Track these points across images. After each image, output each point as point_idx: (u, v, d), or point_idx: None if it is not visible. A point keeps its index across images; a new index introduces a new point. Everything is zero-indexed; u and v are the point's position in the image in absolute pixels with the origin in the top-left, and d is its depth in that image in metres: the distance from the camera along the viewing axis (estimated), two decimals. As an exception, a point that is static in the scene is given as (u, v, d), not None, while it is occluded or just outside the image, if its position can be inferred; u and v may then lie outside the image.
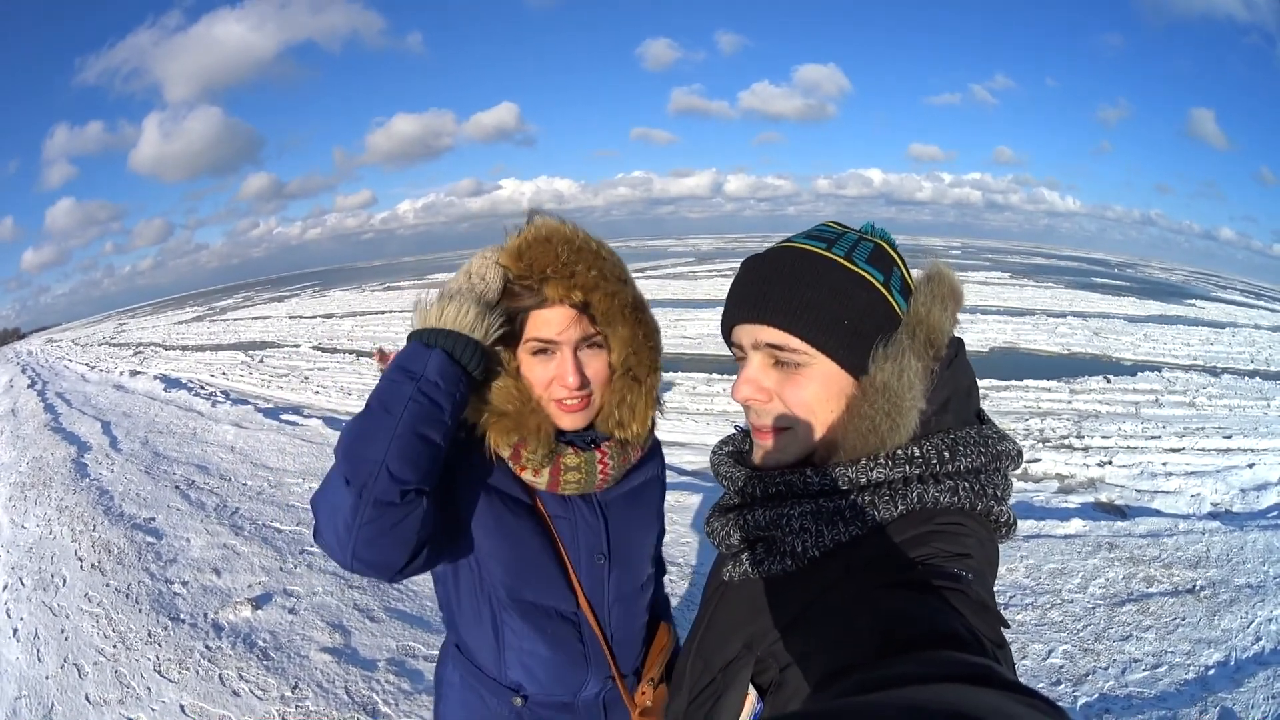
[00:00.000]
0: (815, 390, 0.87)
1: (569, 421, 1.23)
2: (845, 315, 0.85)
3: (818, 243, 0.91)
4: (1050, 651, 3.65)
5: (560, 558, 1.29)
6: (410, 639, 3.86)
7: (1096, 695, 3.31)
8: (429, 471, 1.07)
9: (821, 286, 0.86)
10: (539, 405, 1.21)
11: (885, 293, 0.87)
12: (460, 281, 1.17)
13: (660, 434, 1.46)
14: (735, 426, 1.13)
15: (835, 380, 0.87)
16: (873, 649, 0.63)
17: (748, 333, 0.91)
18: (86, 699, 3.48)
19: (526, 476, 1.24)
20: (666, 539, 1.81)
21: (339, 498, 1.06)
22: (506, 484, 1.26)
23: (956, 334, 0.92)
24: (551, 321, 1.17)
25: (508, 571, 1.27)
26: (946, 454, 0.83)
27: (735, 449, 1.06)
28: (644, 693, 1.40)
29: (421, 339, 1.10)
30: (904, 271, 0.92)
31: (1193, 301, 28.62)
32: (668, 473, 1.56)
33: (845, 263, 0.87)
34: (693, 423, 9.43)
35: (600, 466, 1.26)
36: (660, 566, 1.62)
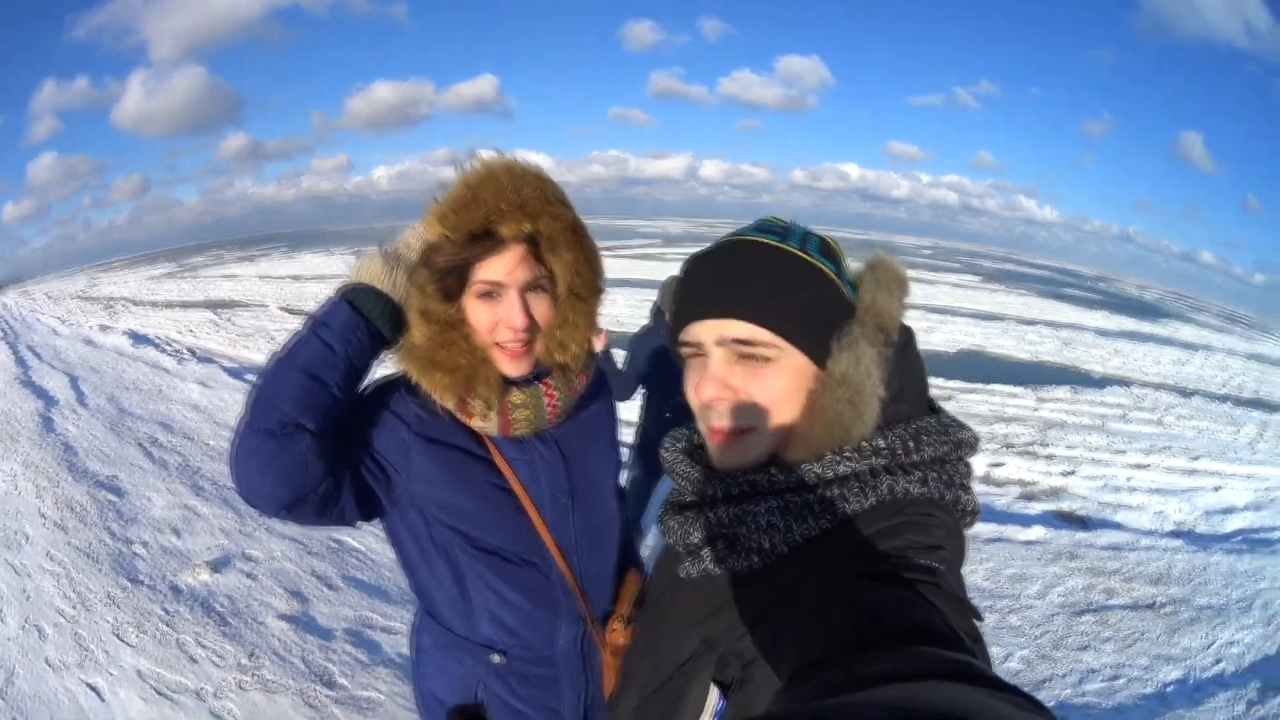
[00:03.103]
0: (784, 385, 0.85)
1: (512, 368, 1.25)
2: (810, 305, 0.84)
3: (770, 235, 0.89)
4: (1008, 656, 3.69)
5: (518, 501, 1.30)
6: (368, 609, 3.84)
7: (1053, 703, 3.35)
8: (312, 410, 1.11)
9: (785, 278, 0.85)
10: (486, 355, 1.23)
11: (839, 283, 0.87)
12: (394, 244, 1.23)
13: (626, 416, 1.46)
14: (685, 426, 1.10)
15: (803, 374, 0.85)
16: (847, 642, 0.62)
17: (710, 329, 0.88)
18: (46, 662, 3.44)
19: (476, 424, 1.26)
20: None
21: (237, 428, 1.14)
22: (456, 437, 1.27)
23: (907, 324, 0.91)
24: (499, 265, 1.18)
25: (466, 522, 1.28)
26: (911, 444, 0.82)
27: (688, 445, 1.02)
28: (615, 630, 1.40)
29: (336, 292, 1.18)
30: (845, 265, 0.91)
31: (1166, 321, 28.96)
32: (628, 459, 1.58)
33: (802, 254, 0.86)
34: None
35: (547, 400, 1.28)
36: (623, 497, 1.63)
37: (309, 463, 1.11)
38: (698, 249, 0.95)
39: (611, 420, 1.53)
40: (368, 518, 1.28)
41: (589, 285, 1.28)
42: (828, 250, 0.89)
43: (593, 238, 1.30)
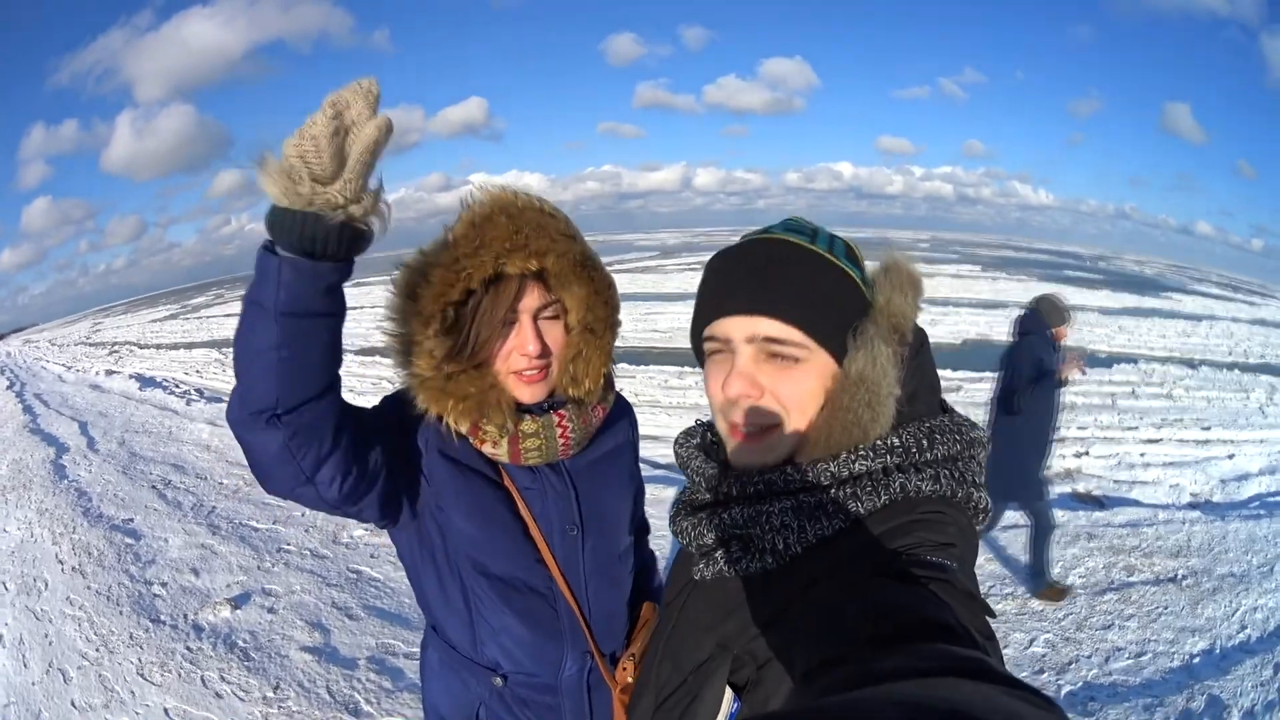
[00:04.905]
0: (811, 386, 0.85)
1: (528, 394, 1.22)
2: (837, 308, 0.85)
3: (800, 236, 0.89)
4: (1032, 640, 3.67)
5: (528, 530, 1.28)
6: (390, 636, 3.84)
7: (1080, 684, 3.33)
8: (281, 383, 1.00)
9: (816, 279, 0.85)
10: (498, 381, 1.21)
11: (862, 287, 0.87)
12: (318, 129, 0.91)
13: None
14: (697, 421, 1.11)
15: (829, 375, 0.85)
16: (861, 639, 0.62)
17: (741, 325, 0.87)
18: (72, 704, 3.44)
19: (487, 450, 1.24)
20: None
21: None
22: (470, 458, 1.26)
23: (921, 326, 0.92)
24: (509, 298, 1.17)
25: (474, 546, 1.26)
26: (925, 442, 0.83)
27: (703, 442, 1.02)
28: (625, 669, 1.38)
29: (265, 242, 0.97)
30: (865, 268, 0.92)
31: (1169, 294, 28.90)
32: (642, 471, 1.55)
33: (830, 257, 0.87)
34: (665, 416, 9.42)
35: (560, 430, 1.25)
36: (644, 527, 1.63)
37: (311, 434, 1.04)
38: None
39: (631, 454, 1.50)
40: (384, 519, 1.26)
41: (602, 320, 1.26)
42: (851, 254, 0.90)
43: (605, 270, 1.28)
